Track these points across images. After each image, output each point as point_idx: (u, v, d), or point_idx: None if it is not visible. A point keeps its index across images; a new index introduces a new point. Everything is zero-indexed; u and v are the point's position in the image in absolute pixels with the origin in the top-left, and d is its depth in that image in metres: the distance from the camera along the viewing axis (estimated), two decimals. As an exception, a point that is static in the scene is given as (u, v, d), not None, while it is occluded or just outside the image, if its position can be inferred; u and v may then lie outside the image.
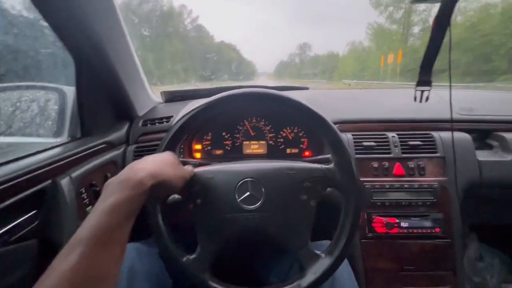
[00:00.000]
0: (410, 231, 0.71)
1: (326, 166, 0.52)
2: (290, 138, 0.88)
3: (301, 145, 0.87)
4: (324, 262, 0.47)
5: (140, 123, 0.85)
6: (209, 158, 0.87)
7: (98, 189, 0.65)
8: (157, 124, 0.85)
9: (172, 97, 0.99)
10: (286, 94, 0.50)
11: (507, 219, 0.96)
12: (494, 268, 0.98)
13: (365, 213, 0.73)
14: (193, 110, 0.51)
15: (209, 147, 0.88)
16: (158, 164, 0.40)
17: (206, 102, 0.50)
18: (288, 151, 0.88)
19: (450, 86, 0.67)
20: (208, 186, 0.51)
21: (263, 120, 0.88)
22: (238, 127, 0.88)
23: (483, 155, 0.77)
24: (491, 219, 0.96)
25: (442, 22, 0.56)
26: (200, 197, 0.51)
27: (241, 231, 0.50)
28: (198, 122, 0.52)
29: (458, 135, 0.78)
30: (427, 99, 0.65)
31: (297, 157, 0.87)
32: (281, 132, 0.88)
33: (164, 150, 0.49)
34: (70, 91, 0.74)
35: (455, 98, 0.90)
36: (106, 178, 0.71)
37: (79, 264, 0.27)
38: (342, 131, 0.83)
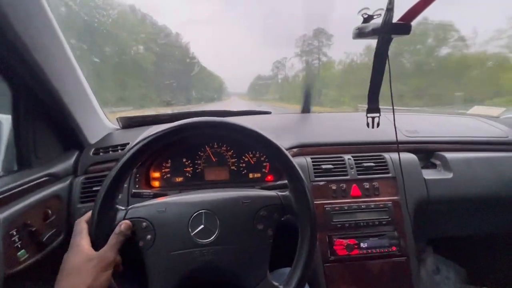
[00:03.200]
0: (370, 251, 0.73)
1: (282, 193, 0.52)
2: (252, 163, 0.87)
3: (263, 170, 0.88)
4: None
5: (91, 152, 0.79)
6: (168, 186, 0.83)
7: (34, 229, 0.58)
8: (110, 152, 0.79)
9: (130, 123, 0.95)
10: (240, 123, 0.50)
11: (458, 230, 1.03)
12: (450, 281, 1.03)
13: (327, 236, 0.74)
14: (140, 142, 0.48)
15: (168, 175, 0.84)
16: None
17: (154, 134, 0.48)
18: (251, 175, 0.87)
19: (393, 111, 0.73)
20: (159, 220, 0.48)
21: (224, 145, 0.87)
22: (199, 153, 0.86)
23: (428, 174, 0.83)
24: (444, 232, 1.03)
25: (381, 55, 0.62)
26: (150, 233, 0.47)
27: (195, 268, 0.47)
28: (148, 153, 0.49)
29: (406, 156, 0.84)
30: (378, 124, 0.69)
31: (260, 181, 0.87)
32: (243, 157, 0.87)
33: (110, 185, 0.45)
34: (5, 119, 0.67)
35: (403, 121, 1.00)
36: (46, 216, 0.63)
37: None
38: (301, 154, 0.86)
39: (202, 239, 0.47)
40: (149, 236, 0.47)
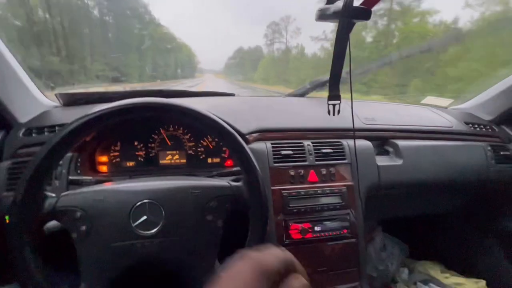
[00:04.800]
0: (323, 234, 0.75)
1: (235, 184, 0.50)
2: (211, 147, 0.84)
3: (222, 154, 0.85)
4: None
5: (21, 132, 0.68)
6: (117, 172, 0.76)
7: None
8: (46, 133, 0.70)
9: (72, 100, 0.84)
10: (193, 106, 0.46)
11: (404, 212, 1.12)
12: (394, 256, 1.13)
13: (283, 221, 0.74)
14: (74, 122, 0.42)
15: (117, 159, 0.78)
16: None
17: (93, 112, 0.43)
18: (209, 160, 0.84)
19: (352, 99, 0.74)
20: (96, 210, 0.43)
21: (181, 128, 0.81)
22: (153, 135, 0.80)
23: (381, 160, 0.87)
24: (392, 213, 1.11)
25: (342, 40, 0.61)
26: (85, 223, 0.42)
27: (137, 261, 0.44)
28: (85, 135, 0.43)
29: (362, 142, 0.87)
30: (338, 111, 0.69)
31: (219, 166, 0.84)
32: (202, 141, 0.83)
33: (37, 168, 0.39)
34: None
35: (362, 109, 1.02)
36: None
37: None
38: (262, 140, 0.84)
39: (144, 230, 0.44)
40: (83, 227, 0.42)
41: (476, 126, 1.02)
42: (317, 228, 0.75)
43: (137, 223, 0.44)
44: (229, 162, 0.84)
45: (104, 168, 0.76)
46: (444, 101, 1.15)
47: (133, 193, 0.45)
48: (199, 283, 0.45)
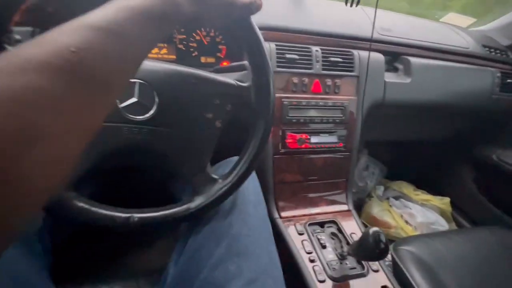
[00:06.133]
0: (319, 146, 0.75)
1: (243, 85, 0.42)
2: (206, 43, 0.72)
3: (218, 54, 0.74)
4: (219, 187, 0.41)
5: None
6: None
7: None
8: None
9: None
10: None
11: (394, 136, 1.14)
12: (374, 176, 1.21)
13: (280, 130, 0.71)
14: None
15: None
16: None
17: None
18: (203, 59, 0.73)
19: (376, 5, 0.62)
20: None
21: None
22: None
23: (389, 77, 0.81)
24: (382, 136, 1.13)
25: None
26: None
27: (122, 146, 0.39)
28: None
29: (374, 55, 0.78)
30: (357, 3, 0.59)
31: (214, 67, 0.74)
32: (194, 35, 0.71)
33: None
34: None
35: (379, 18, 0.89)
36: None
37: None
38: (265, 39, 0.73)
39: (134, 115, 0.38)
40: None
41: (492, 50, 0.95)
42: (313, 140, 0.74)
43: (124, 104, 0.37)
44: (225, 64, 0.74)
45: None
46: (466, 20, 1.03)
47: None
48: (188, 183, 0.42)
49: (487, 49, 0.94)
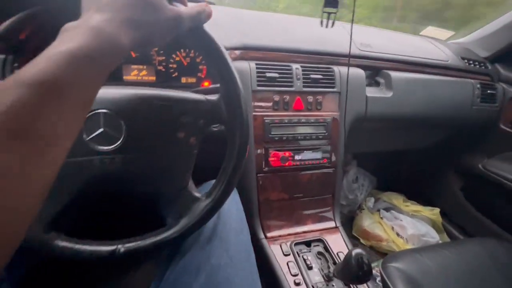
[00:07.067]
0: (303, 163, 0.74)
1: (212, 98, 0.42)
2: (185, 64, 0.72)
3: (199, 74, 0.74)
4: (202, 205, 0.41)
5: None
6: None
7: None
8: None
9: None
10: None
11: (380, 147, 1.14)
12: (364, 187, 1.21)
13: (263, 148, 0.71)
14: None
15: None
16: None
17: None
18: (183, 80, 0.73)
19: (353, 19, 0.63)
20: None
21: None
22: None
23: (370, 91, 0.82)
24: (369, 147, 1.13)
25: None
26: None
27: (96, 177, 0.38)
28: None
29: (355, 71, 0.79)
30: (332, 24, 0.60)
31: (194, 88, 0.74)
32: (174, 56, 0.71)
33: None
34: None
35: (359, 34, 0.91)
36: None
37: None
38: (245, 59, 0.73)
39: (103, 145, 0.37)
40: None
41: (471, 62, 0.97)
42: (297, 157, 0.73)
43: (91, 136, 0.36)
44: (206, 84, 0.74)
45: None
46: (444, 33, 1.05)
47: None
48: (172, 204, 0.41)
49: (466, 61, 0.96)
